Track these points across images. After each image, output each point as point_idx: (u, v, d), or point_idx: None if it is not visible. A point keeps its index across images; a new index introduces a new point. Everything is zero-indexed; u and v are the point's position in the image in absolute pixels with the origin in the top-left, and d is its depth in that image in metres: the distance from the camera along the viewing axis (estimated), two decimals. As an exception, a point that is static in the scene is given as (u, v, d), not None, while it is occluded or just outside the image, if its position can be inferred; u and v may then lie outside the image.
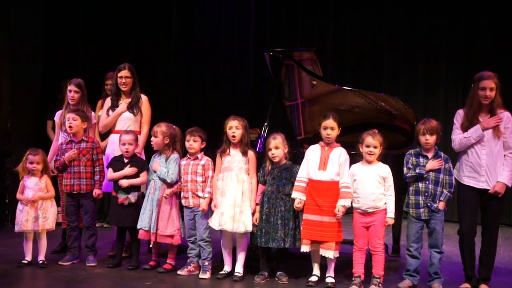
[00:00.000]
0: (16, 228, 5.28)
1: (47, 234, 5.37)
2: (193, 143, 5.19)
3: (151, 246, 5.32)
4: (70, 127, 5.39)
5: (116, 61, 6.15)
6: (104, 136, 6.16)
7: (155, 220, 5.20)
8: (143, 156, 5.68)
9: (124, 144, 5.35)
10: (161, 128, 5.30)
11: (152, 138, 5.34)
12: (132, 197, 5.31)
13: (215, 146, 5.29)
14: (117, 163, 5.41)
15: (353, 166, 4.94)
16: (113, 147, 5.70)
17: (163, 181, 5.24)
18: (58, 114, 5.95)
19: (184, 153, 5.37)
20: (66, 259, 5.41)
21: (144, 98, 5.87)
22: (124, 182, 5.31)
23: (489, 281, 4.92)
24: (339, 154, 4.94)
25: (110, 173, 5.40)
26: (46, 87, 8.15)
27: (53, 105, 7.04)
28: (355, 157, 5.01)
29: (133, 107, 5.77)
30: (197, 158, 5.23)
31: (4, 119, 7.71)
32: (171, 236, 5.22)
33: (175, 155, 5.29)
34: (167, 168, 5.24)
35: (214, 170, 5.20)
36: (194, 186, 5.17)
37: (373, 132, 4.89)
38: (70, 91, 5.77)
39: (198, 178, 5.18)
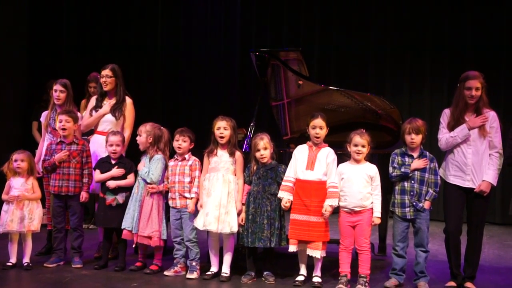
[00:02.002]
0: (1, 229, 5.23)
1: (32, 236, 5.33)
2: (182, 143, 5.18)
3: (133, 246, 5.31)
4: (63, 129, 5.37)
5: (101, 61, 6.13)
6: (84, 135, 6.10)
7: (137, 220, 5.21)
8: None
9: (111, 145, 5.34)
10: (146, 127, 5.30)
11: (137, 137, 5.34)
12: (120, 198, 5.30)
13: (202, 146, 5.28)
14: (104, 164, 5.39)
15: (341, 165, 4.95)
16: (95, 147, 5.67)
17: (144, 181, 5.24)
18: (43, 115, 5.93)
19: (172, 154, 5.35)
20: (51, 261, 5.37)
21: (128, 101, 5.82)
22: (111, 184, 5.30)
23: (474, 279, 4.95)
24: (327, 154, 4.95)
25: (97, 175, 5.38)
26: (31, 88, 8.11)
27: (38, 106, 7.01)
28: (342, 156, 5.02)
29: (116, 110, 5.74)
30: (184, 158, 5.22)
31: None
32: (149, 237, 5.19)
33: (158, 156, 5.27)
34: (149, 168, 5.22)
35: (201, 170, 5.19)
36: (181, 187, 5.16)
37: (361, 131, 4.90)
38: (56, 90, 5.75)
39: (185, 179, 5.17)
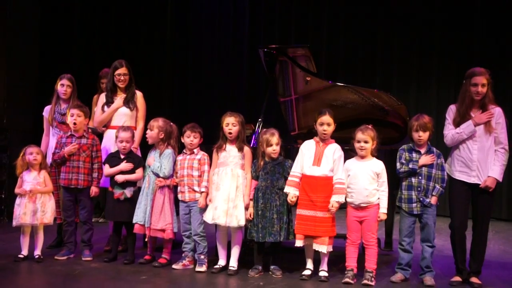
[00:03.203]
0: (14, 223, 5.28)
1: (44, 229, 5.38)
2: (194, 139, 5.22)
3: (146, 240, 5.36)
4: (74, 123, 5.42)
5: (111, 57, 6.17)
6: None
7: (149, 214, 5.26)
8: (139, 152, 5.71)
9: (121, 142, 5.39)
10: (158, 122, 5.34)
11: (148, 131, 5.38)
12: (128, 192, 5.35)
13: (211, 141, 5.30)
14: (113, 159, 5.44)
15: (348, 161, 4.97)
16: (110, 142, 5.72)
17: (156, 175, 5.28)
18: (46, 109, 5.99)
19: (180, 149, 5.39)
20: (62, 253, 5.43)
21: (139, 93, 5.91)
22: (119, 178, 5.35)
23: (479, 274, 4.95)
24: (334, 150, 4.97)
25: (106, 169, 5.44)
26: (42, 82, 8.14)
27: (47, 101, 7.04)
28: (348, 152, 5.03)
29: (129, 102, 5.80)
30: (193, 153, 5.26)
31: (0, 114, 7.72)
32: (163, 230, 5.25)
33: (169, 150, 5.32)
34: (161, 163, 5.28)
35: (210, 165, 5.23)
36: (190, 181, 5.20)
37: (365, 127, 4.92)
38: (63, 85, 5.83)
39: (194, 173, 5.21)
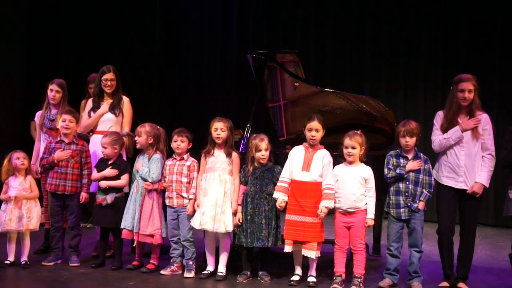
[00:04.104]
0: (0, 229, 5.24)
1: (30, 235, 5.35)
2: (181, 143, 5.21)
3: (134, 245, 5.33)
4: (67, 128, 5.39)
5: (100, 61, 6.16)
6: None
7: (138, 219, 5.24)
8: (124, 156, 5.67)
9: (104, 148, 5.38)
10: (145, 128, 5.33)
11: (136, 138, 5.37)
12: (109, 198, 5.32)
13: (199, 146, 5.30)
14: (101, 164, 5.44)
15: (336, 167, 4.98)
16: (95, 147, 5.69)
17: (145, 180, 5.27)
18: (38, 114, 5.95)
19: (168, 153, 5.38)
20: (49, 259, 5.39)
21: (125, 99, 5.89)
22: (102, 184, 5.34)
23: (467, 279, 4.98)
24: (323, 156, 4.98)
25: (93, 174, 5.44)
26: (29, 88, 8.09)
27: (37, 106, 6.97)
28: (337, 158, 5.05)
29: (115, 108, 5.79)
30: (183, 158, 5.25)
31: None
32: (151, 236, 5.24)
33: (157, 155, 5.32)
34: (149, 168, 5.27)
35: (199, 171, 5.23)
36: (179, 187, 5.20)
37: (353, 133, 4.93)
38: (52, 90, 5.79)
39: (183, 179, 5.20)
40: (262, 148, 5.03)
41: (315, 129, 4.97)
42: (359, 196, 4.85)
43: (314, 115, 5.06)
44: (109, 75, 5.79)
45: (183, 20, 9.96)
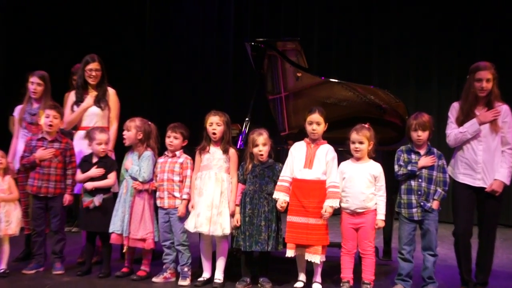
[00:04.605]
0: (-25, 234, 5.10)
1: (9, 240, 5.17)
2: (174, 140, 5.08)
3: (124, 251, 5.17)
4: (50, 125, 5.22)
5: (86, 52, 5.98)
6: None
7: (128, 222, 5.10)
8: (113, 155, 5.52)
9: (100, 144, 5.20)
10: (135, 122, 5.20)
11: (125, 132, 5.23)
12: (97, 200, 5.16)
13: (194, 143, 5.15)
14: (85, 164, 5.29)
15: (343, 163, 4.86)
16: (81, 144, 5.51)
17: (135, 179, 5.11)
18: (17, 109, 5.79)
19: (160, 152, 5.24)
20: (30, 267, 5.22)
21: (111, 91, 5.73)
22: (88, 185, 5.20)
23: (487, 285, 4.87)
24: (326, 151, 4.84)
25: (78, 175, 5.28)
26: (8, 81, 8.00)
27: (15, 100, 6.80)
28: (343, 154, 4.93)
29: (100, 101, 5.63)
30: (175, 155, 5.11)
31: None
32: (143, 240, 5.09)
33: (148, 152, 5.17)
34: (139, 166, 5.12)
35: (193, 169, 5.09)
36: (171, 186, 5.04)
37: (360, 126, 4.81)
38: (33, 83, 5.64)
39: (175, 178, 5.05)
40: (259, 143, 4.90)
41: (316, 122, 4.83)
42: (369, 195, 4.71)
43: (315, 107, 4.94)
44: (93, 65, 5.61)
45: (176, 6, 9.93)
